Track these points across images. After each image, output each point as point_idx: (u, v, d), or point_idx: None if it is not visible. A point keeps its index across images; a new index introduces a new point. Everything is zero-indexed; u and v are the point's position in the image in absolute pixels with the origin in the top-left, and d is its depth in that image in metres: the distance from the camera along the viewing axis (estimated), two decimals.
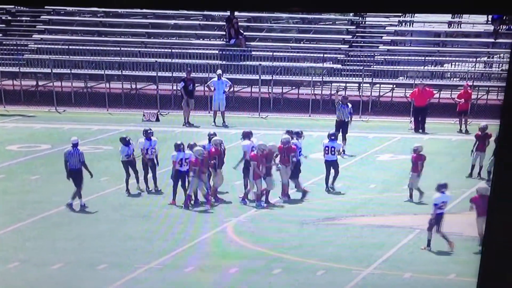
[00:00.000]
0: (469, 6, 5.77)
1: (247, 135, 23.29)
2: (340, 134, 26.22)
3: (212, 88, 31.46)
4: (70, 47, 36.17)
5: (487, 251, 6.04)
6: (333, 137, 23.54)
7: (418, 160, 21.95)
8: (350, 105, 27.64)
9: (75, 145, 21.83)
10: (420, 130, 29.89)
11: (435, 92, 31.25)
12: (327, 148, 23.17)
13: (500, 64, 34.48)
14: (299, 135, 23.60)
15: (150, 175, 23.07)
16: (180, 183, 21.98)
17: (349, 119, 27.30)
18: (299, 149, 23.03)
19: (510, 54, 6.59)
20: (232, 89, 32.91)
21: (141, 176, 23.06)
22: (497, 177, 6.12)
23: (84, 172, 21.58)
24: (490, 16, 36.08)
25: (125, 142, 22.93)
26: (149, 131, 23.32)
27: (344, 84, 34.85)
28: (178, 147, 22.07)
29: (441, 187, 19.19)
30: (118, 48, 36.00)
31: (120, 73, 35.20)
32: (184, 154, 21.93)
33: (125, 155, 22.80)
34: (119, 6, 6.37)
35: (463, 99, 30.22)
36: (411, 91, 31.15)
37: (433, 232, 19.17)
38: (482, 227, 19.36)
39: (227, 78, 31.89)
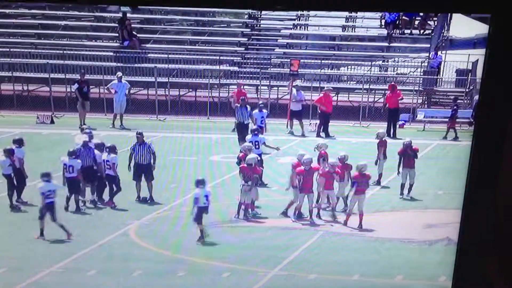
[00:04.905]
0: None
1: None
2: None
3: (113, 91, 30.87)
4: None
5: (462, 251, 6.08)
6: (256, 132, 24.24)
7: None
8: (249, 107, 27.62)
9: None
10: (323, 134, 29.76)
11: (332, 95, 31.35)
12: (251, 143, 23.60)
13: (395, 68, 35.10)
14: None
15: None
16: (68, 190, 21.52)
17: (250, 121, 27.25)
18: None
19: (483, 64, 6.61)
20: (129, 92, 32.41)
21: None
22: (472, 181, 6.15)
23: None
24: (383, 20, 36.71)
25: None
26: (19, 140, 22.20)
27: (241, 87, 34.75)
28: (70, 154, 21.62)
29: (45, 176, 19.62)
30: (8, 49, 34.98)
31: (11, 74, 34.22)
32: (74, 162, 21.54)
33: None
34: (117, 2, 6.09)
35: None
36: (317, 97, 30.85)
37: (45, 221, 19.52)
38: None
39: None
